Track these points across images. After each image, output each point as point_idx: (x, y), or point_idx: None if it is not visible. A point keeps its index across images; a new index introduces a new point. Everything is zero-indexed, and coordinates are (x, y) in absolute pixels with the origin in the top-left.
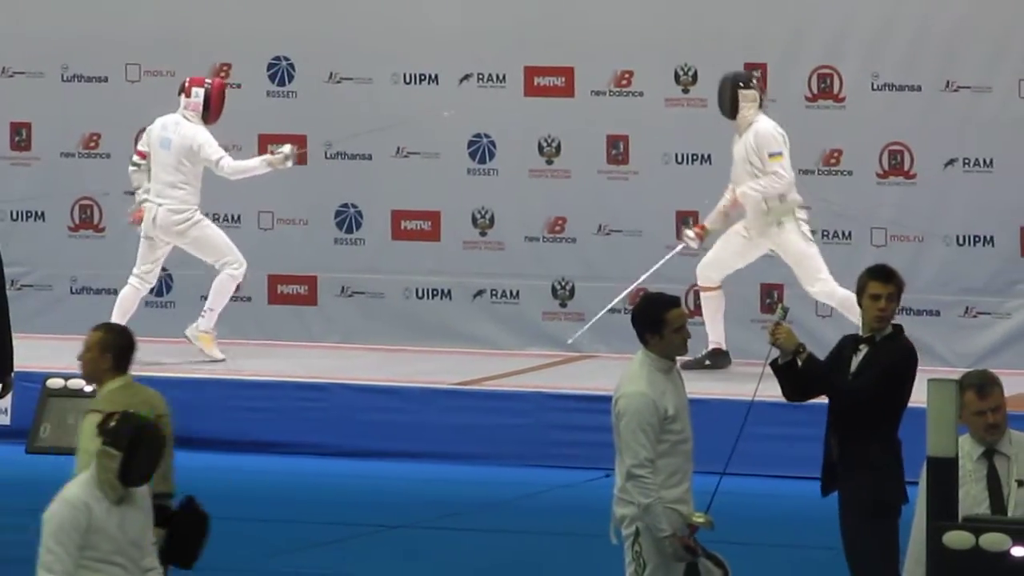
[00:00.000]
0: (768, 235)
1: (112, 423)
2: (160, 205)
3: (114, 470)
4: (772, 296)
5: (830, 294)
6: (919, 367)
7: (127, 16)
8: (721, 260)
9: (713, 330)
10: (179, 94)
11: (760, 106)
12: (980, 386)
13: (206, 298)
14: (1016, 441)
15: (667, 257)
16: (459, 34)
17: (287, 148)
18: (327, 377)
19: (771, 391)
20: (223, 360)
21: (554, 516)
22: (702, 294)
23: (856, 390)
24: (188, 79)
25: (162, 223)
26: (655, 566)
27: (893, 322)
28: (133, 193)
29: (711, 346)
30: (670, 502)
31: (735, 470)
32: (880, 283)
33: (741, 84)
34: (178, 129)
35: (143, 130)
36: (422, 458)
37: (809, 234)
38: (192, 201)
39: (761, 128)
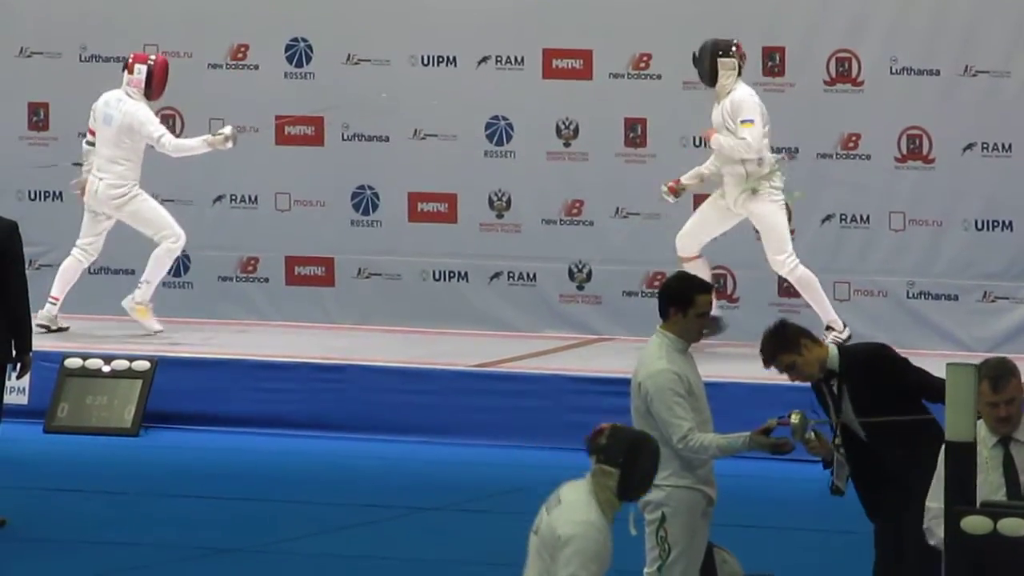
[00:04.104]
0: (742, 202)
1: (603, 439)
2: (101, 179)
3: (612, 488)
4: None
5: (791, 269)
6: (938, 351)
7: None
8: (698, 229)
9: None
10: (123, 70)
11: (739, 74)
12: (995, 378)
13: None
14: None
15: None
16: (477, 16)
17: (228, 129)
18: (344, 358)
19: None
20: (161, 331)
21: None
22: (684, 264)
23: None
24: (132, 55)
25: (101, 197)
26: (680, 551)
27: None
28: (80, 164)
29: None
30: (698, 482)
31: (751, 454)
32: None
33: (720, 52)
34: (120, 106)
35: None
36: (438, 439)
37: (783, 205)
38: (131, 177)
39: (737, 95)
